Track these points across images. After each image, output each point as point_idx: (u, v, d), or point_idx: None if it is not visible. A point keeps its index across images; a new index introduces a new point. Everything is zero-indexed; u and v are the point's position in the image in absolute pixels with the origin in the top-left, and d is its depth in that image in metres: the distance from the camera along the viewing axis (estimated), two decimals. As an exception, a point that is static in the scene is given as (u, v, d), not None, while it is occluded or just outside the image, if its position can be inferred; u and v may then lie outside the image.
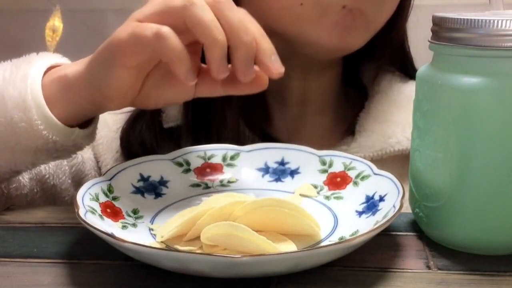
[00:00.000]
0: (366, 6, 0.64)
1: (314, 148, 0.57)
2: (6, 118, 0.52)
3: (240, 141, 0.59)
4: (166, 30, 0.46)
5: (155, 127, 0.68)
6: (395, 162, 0.64)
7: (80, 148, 0.58)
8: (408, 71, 0.74)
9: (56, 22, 1.44)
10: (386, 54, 0.72)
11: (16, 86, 0.53)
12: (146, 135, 0.68)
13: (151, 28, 0.47)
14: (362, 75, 0.76)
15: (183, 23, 0.47)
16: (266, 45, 0.49)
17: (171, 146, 0.66)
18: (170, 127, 0.68)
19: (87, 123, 0.56)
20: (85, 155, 0.68)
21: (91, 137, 0.58)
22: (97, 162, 0.71)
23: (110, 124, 0.70)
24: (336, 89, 0.75)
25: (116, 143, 0.71)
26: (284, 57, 0.70)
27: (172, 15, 0.47)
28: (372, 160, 0.66)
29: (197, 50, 0.51)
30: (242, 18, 0.48)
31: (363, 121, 0.70)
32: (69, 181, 0.67)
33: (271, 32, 0.67)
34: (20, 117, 0.52)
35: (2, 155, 0.54)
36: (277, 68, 0.49)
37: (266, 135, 0.68)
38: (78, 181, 0.68)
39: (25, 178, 0.63)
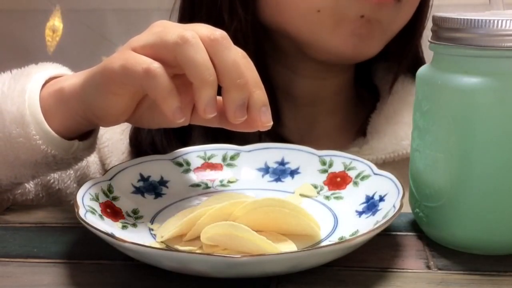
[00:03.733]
0: (383, 16, 0.64)
1: (318, 148, 0.57)
2: (4, 133, 0.52)
3: (250, 141, 0.59)
4: (156, 67, 0.45)
5: None
6: (408, 164, 0.64)
7: (80, 159, 0.57)
8: None
9: (56, 22, 1.44)
10: (403, 61, 0.72)
11: (14, 101, 0.52)
12: (155, 133, 0.68)
13: (142, 63, 0.45)
14: (374, 75, 0.76)
15: (174, 59, 0.46)
16: (258, 94, 0.47)
17: (180, 144, 0.66)
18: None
19: (87, 134, 0.56)
20: (90, 158, 0.68)
21: (91, 149, 0.58)
22: (103, 165, 0.70)
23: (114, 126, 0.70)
24: (348, 90, 0.75)
25: (122, 145, 0.71)
26: (297, 59, 0.70)
27: (165, 50, 0.46)
28: (384, 163, 0.66)
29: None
30: (237, 60, 0.46)
31: (375, 123, 0.70)
32: (74, 185, 0.67)
33: (286, 35, 0.68)
34: (18, 132, 0.52)
35: (2, 169, 0.54)
36: (265, 121, 0.48)
37: (277, 135, 0.67)
38: (83, 184, 0.68)
39: (30, 183, 0.63)
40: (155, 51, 0.46)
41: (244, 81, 0.46)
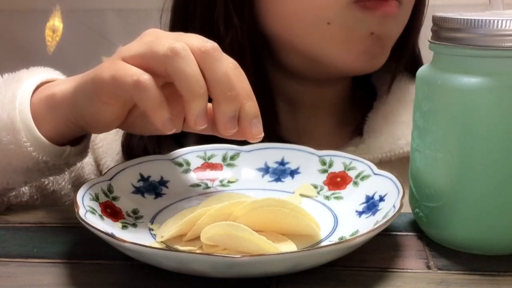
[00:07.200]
0: (391, 29, 0.64)
1: (315, 147, 0.57)
2: None
3: (248, 142, 0.59)
4: (145, 79, 0.45)
5: None
6: (404, 163, 0.64)
7: (73, 165, 0.57)
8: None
9: (56, 22, 1.44)
10: (401, 60, 0.72)
11: (5, 108, 0.52)
12: (147, 140, 0.67)
13: (132, 75, 0.45)
14: (371, 75, 0.76)
15: (164, 70, 0.45)
16: (249, 106, 0.47)
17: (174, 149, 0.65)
18: None
19: (79, 139, 0.56)
20: (84, 159, 0.68)
21: (83, 154, 0.57)
22: (98, 165, 0.70)
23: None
24: (346, 91, 0.75)
25: (116, 145, 0.70)
26: (302, 68, 0.69)
27: (154, 61, 0.46)
28: (380, 162, 0.66)
29: None
30: (229, 72, 0.46)
31: (372, 122, 0.70)
32: (69, 186, 0.66)
33: (290, 48, 0.67)
34: (9, 139, 0.52)
35: None
36: (255, 133, 0.47)
37: (275, 135, 0.67)
38: (78, 185, 0.67)
39: None
40: (145, 62, 0.46)
41: (235, 94, 0.46)
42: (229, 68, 0.46)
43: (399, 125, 0.68)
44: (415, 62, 0.74)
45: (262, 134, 0.48)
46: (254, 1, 0.66)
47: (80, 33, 1.52)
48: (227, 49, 0.48)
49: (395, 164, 0.66)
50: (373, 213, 0.48)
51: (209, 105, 0.47)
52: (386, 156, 0.67)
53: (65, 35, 1.45)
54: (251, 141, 0.48)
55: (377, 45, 0.64)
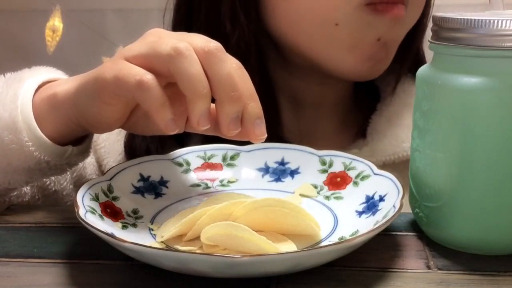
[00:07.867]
0: (398, 35, 0.64)
1: (318, 149, 0.57)
2: None
3: (250, 142, 0.59)
4: (148, 79, 0.45)
5: None
6: (408, 166, 0.64)
7: (75, 165, 0.57)
8: None
9: (56, 22, 1.44)
10: (405, 64, 0.72)
11: (6, 108, 0.52)
12: (150, 140, 0.67)
13: (135, 75, 0.45)
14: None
15: (167, 71, 0.45)
16: (252, 107, 0.46)
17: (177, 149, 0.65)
18: None
19: (81, 139, 0.56)
20: (86, 159, 0.68)
21: (85, 154, 0.57)
22: (100, 166, 0.70)
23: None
24: (349, 91, 0.75)
25: (118, 145, 0.70)
26: (302, 67, 0.69)
27: (157, 61, 0.45)
28: (384, 165, 0.66)
29: None
30: (232, 72, 0.45)
31: (376, 124, 0.70)
32: (71, 186, 0.66)
33: (294, 48, 0.66)
34: (11, 139, 0.51)
35: None
36: (258, 134, 0.47)
37: (277, 136, 0.66)
38: (79, 186, 0.67)
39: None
40: (147, 61, 0.46)
41: (238, 94, 0.46)
42: (232, 68, 0.46)
43: (403, 127, 0.68)
44: (419, 64, 0.73)
45: (265, 135, 0.48)
46: None
47: (80, 33, 1.52)
48: (233, 48, 0.47)
49: (399, 167, 0.65)
50: (373, 213, 0.48)
51: (212, 105, 0.47)
52: (389, 159, 0.66)
53: (65, 35, 1.45)
54: (254, 142, 0.48)
55: (383, 51, 0.64)
